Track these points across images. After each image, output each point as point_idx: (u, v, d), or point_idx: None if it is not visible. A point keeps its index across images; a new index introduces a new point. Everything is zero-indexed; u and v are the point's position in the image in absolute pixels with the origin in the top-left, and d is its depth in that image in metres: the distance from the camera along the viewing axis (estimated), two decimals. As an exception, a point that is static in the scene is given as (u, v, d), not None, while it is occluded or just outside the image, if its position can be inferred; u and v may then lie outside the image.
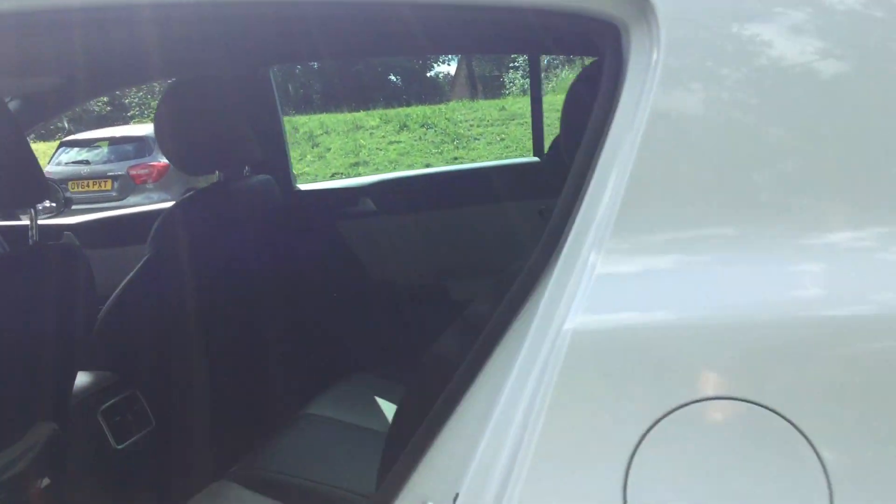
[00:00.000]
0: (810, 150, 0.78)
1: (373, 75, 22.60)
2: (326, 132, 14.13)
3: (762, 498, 0.73)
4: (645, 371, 0.75)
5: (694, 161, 0.79)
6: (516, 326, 0.86)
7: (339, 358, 2.07)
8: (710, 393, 0.73)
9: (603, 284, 0.77)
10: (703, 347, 0.74)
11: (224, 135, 1.69)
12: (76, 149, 9.17)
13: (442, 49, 1.83)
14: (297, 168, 12.15)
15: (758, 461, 0.73)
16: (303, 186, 2.37)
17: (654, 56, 0.80)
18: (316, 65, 22.21)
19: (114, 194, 8.55)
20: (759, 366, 0.73)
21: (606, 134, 0.83)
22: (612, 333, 0.76)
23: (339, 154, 12.97)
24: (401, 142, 13.18)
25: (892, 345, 0.73)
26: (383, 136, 13.57)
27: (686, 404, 0.73)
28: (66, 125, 15.73)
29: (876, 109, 0.79)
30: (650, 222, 0.79)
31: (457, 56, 18.24)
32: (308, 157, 12.96)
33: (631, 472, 0.74)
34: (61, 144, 9.49)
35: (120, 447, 1.56)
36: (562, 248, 0.83)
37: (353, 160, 12.55)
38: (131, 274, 1.61)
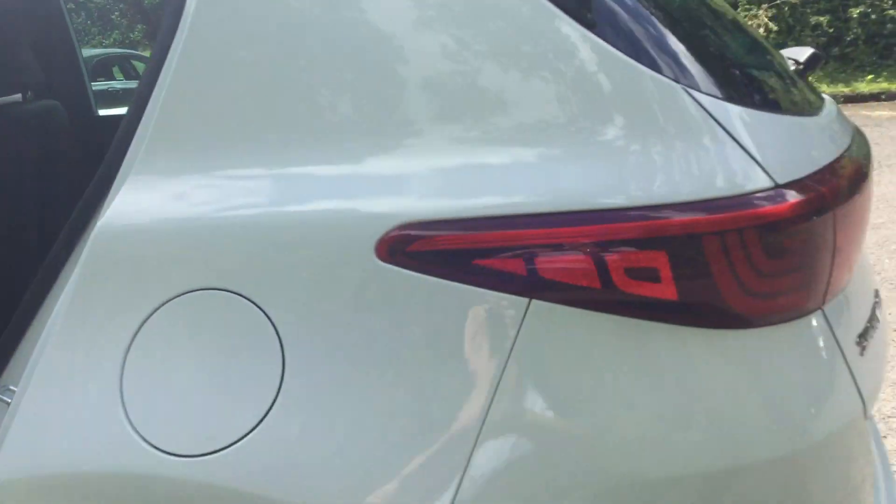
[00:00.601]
0: None
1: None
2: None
3: (229, 376, 0.83)
4: (151, 264, 0.85)
5: (224, 90, 0.87)
6: (91, 228, 0.94)
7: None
8: (199, 285, 0.83)
9: (137, 188, 0.87)
10: (198, 246, 0.84)
11: None
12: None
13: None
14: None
15: (232, 343, 0.83)
16: (103, 112, 2.37)
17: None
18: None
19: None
20: (241, 260, 0.83)
21: (160, 71, 0.90)
22: (129, 231, 0.86)
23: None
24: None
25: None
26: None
27: (181, 294, 0.83)
28: None
29: None
30: (182, 143, 0.88)
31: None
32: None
33: (128, 359, 0.85)
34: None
35: None
36: (122, 159, 0.91)
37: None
38: None
